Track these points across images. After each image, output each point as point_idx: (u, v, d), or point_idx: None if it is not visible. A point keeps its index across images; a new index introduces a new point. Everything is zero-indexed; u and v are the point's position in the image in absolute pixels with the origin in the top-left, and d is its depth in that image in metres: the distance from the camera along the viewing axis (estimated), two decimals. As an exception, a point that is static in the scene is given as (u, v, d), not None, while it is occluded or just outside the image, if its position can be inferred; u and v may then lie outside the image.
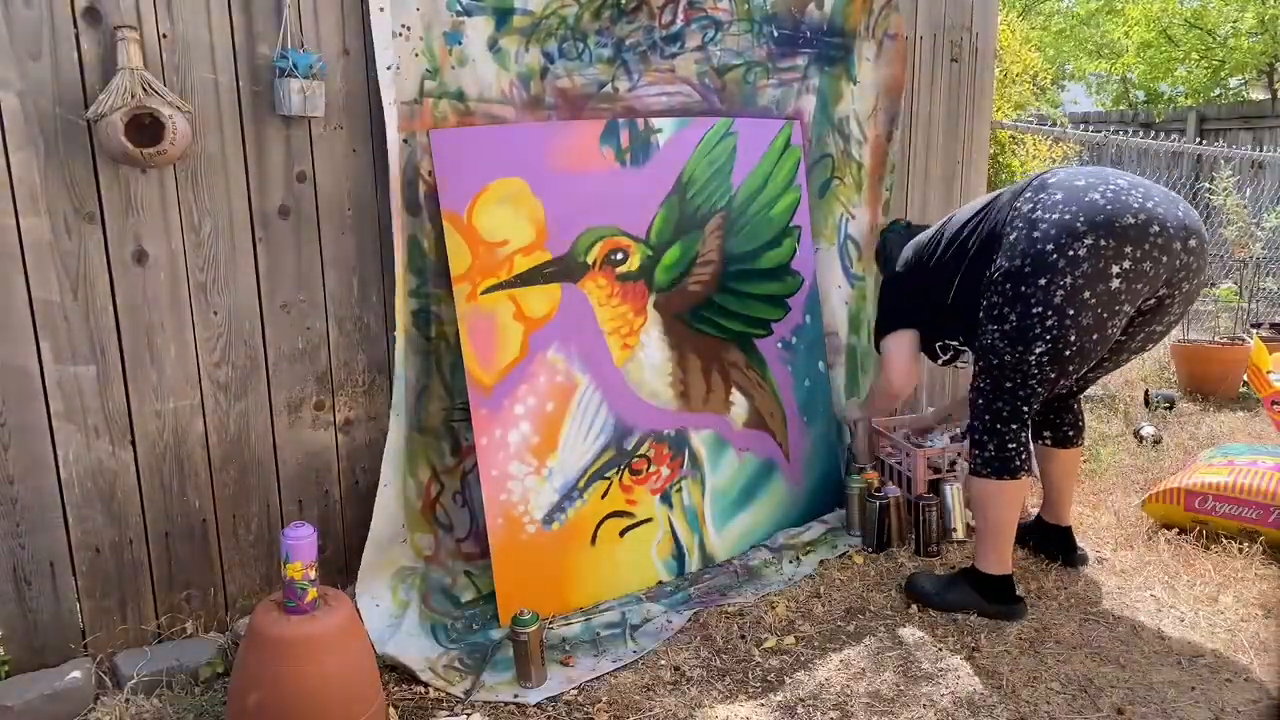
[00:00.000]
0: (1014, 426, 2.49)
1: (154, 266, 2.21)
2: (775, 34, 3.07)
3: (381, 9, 2.35)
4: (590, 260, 2.71)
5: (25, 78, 2.01)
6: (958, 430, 3.44)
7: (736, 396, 3.02)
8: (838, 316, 3.38)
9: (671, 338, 2.87)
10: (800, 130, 3.18)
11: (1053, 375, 2.43)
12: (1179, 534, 3.10)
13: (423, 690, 2.26)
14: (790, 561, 2.92)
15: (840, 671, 2.34)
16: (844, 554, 2.99)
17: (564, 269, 2.67)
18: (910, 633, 2.53)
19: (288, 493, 2.48)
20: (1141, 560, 2.96)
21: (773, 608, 2.66)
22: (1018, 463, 2.51)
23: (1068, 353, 2.38)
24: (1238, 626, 2.55)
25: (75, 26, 2.04)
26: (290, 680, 1.84)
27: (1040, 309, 2.34)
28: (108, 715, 2.10)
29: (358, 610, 2.13)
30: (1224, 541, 3.01)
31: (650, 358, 2.83)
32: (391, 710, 2.15)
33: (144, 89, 2.02)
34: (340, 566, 2.52)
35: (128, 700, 2.13)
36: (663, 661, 2.41)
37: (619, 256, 2.76)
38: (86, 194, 2.11)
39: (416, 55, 2.43)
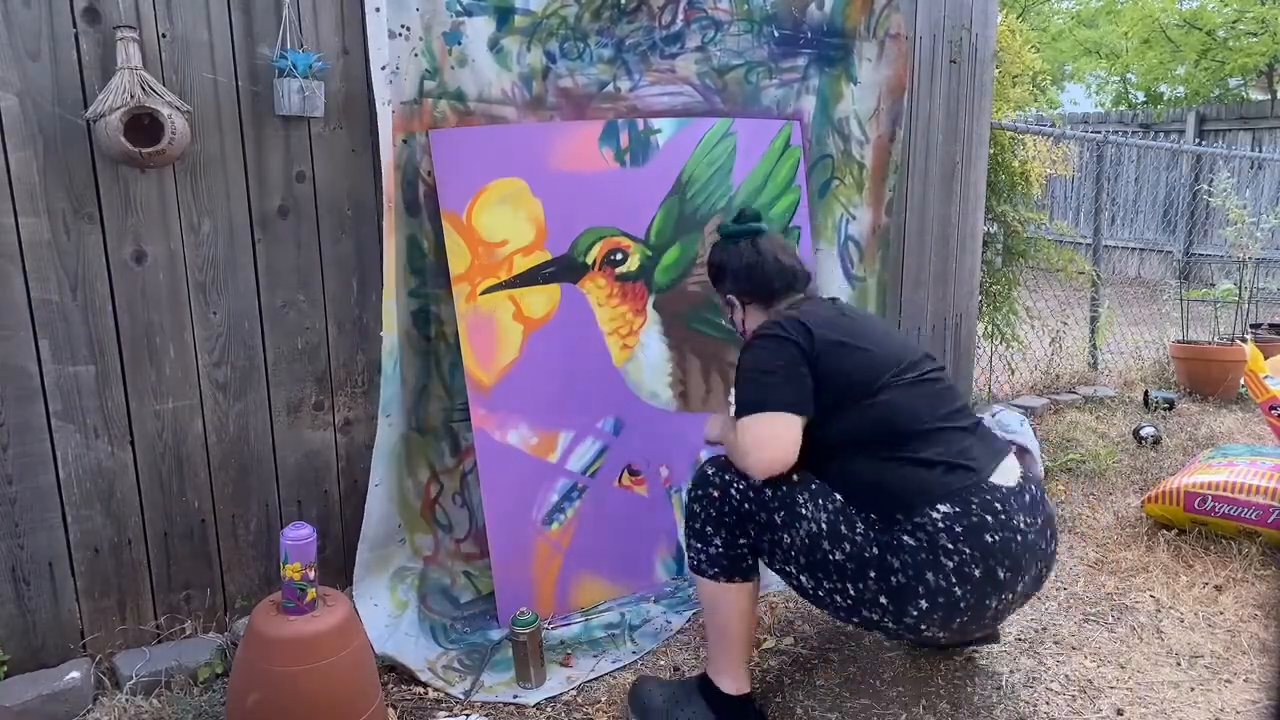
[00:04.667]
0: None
1: (153, 266, 2.21)
2: (776, 34, 3.06)
3: (377, 9, 2.34)
4: (590, 260, 2.71)
5: (25, 78, 2.00)
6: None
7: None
8: (837, 317, 3.38)
9: (671, 338, 2.87)
10: (800, 130, 3.17)
11: None
12: (1179, 534, 3.10)
13: (422, 691, 2.26)
14: (790, 562, 2.91)
15: (839, 672, 2.34)
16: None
17: (563, 269, 2.66)
18: (910, 633, 2.52)
19: (287, 493, 2.48)
20: (1141, 560, 2.96)
21: (772, 609, 2.66)
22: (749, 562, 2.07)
23: None
24: (1238, 627, 2.55)
25: (75, 26, 2.04)
26: (289, 681, 1.84)
27: None
28: (106, 716, 2.10)
29: (356, 611, 2.12)
30: (1224, 542, 3.01)
31: (650, 358, 2.82)
32: (391, 711, 2.15)
33: (143, 89, 2.01)
34: (339, 567, 2.52)
35: (126, 701, 2.13)
36: (662, 662, 2.41)
37: (618, 257, 2.76)
38: (85, 194, 2.11)
39: (416, 55, 2.42)
